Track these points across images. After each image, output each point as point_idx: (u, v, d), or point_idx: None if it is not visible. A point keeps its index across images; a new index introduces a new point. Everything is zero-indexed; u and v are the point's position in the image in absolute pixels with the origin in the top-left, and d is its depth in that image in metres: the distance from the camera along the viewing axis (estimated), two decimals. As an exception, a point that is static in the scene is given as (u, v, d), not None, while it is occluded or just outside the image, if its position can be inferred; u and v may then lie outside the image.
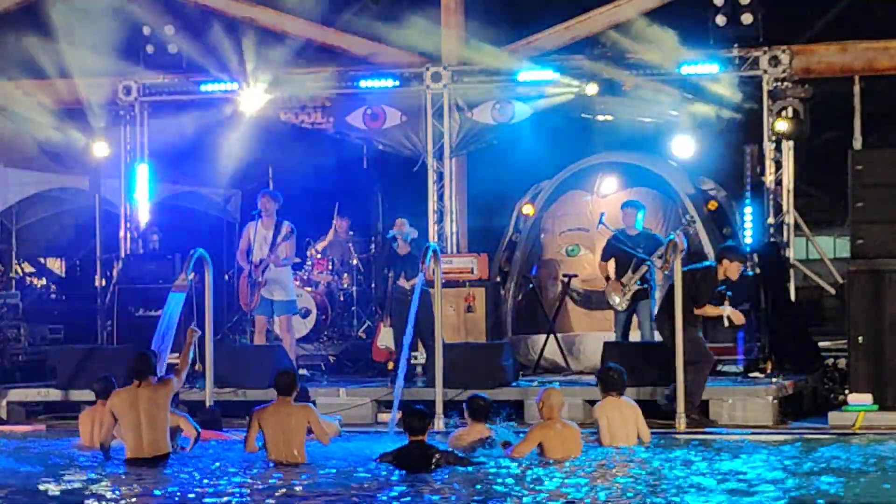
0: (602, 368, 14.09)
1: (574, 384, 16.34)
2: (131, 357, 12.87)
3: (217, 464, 12.51)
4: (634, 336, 16.94)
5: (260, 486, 11.44)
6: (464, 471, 11.82)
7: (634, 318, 16.91)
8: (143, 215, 20.18)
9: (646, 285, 16.64)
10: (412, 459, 11.94)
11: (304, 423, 12.52)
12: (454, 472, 11.72)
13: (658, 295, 17.75)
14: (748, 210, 18.52)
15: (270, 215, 17.18)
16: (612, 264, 16.90)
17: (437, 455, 11.98)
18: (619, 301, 16.75)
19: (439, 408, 14.87)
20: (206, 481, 11.60)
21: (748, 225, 18.61)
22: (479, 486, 11.18)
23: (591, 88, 18.42)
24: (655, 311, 16.32)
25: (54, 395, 16.79)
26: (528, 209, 19.30)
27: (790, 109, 17.99)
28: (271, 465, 12.34)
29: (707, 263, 15.63)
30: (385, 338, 17.78)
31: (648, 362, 15.70)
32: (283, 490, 11.28)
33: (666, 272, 16.40)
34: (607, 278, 16.86)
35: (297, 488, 11.38)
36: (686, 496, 10.81)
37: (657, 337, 16.33)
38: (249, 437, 12.65)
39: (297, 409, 12.66)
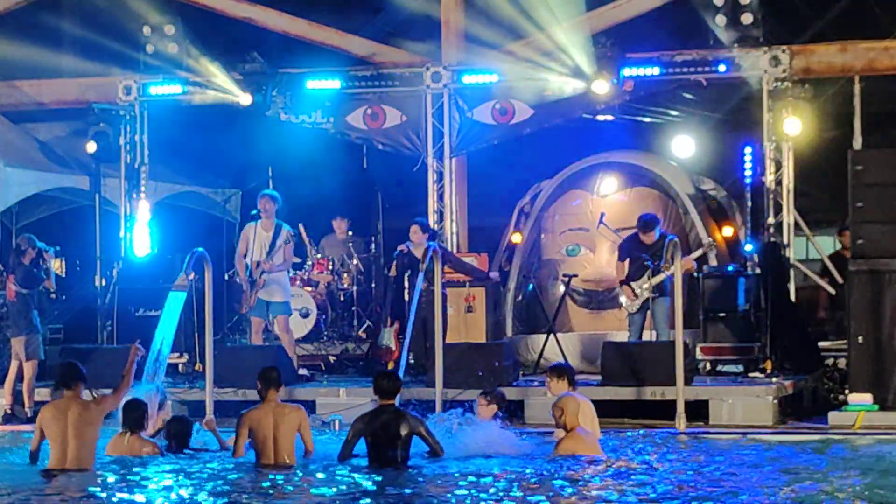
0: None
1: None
2: (59, 366, 12.50)
3: (207, 469, 12.29)
4: (646, 336, 16.83)
5: (252, 491, 11.29)
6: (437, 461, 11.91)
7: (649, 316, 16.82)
8: (143, 215, 20.18)
9: (656, 292, 16.53)
10: (382, 424, 11.98)
11: (296, 424, 12.26)
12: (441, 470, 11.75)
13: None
14: (748, 210, 18.53)
15: (270, 216, 17.21)
16: (626, 266, 16.83)
17: (409, 420, 12.04)
18: (628, 304, 16.69)
19: (439, 408, 14.86)
20: (197, 485, 11.47)
21: (748, 224, 18.62)
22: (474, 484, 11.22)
23: (600, 86, 18.40)
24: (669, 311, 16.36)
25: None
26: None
27: (790, 109, 18.00)
28: (261, 468, 12.11)
29: None
30: (386, 337, 17.78)
31: (648, 362, 15.72)
32: (275, 494, 11.20)
33: (666, 272, 16.39)
34: (621, 281, 16.78)
35: (288, 491, 11.31)
36: (685, 495, 10.83)
37: (671, 337, 16.37)
38: (239, 443, 12.40)
39: (291, 410, 12.42)
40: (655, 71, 18.56)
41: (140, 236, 20.06)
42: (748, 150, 18.55)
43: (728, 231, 18.91)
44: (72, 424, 11.88)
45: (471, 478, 11.53)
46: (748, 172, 18.56)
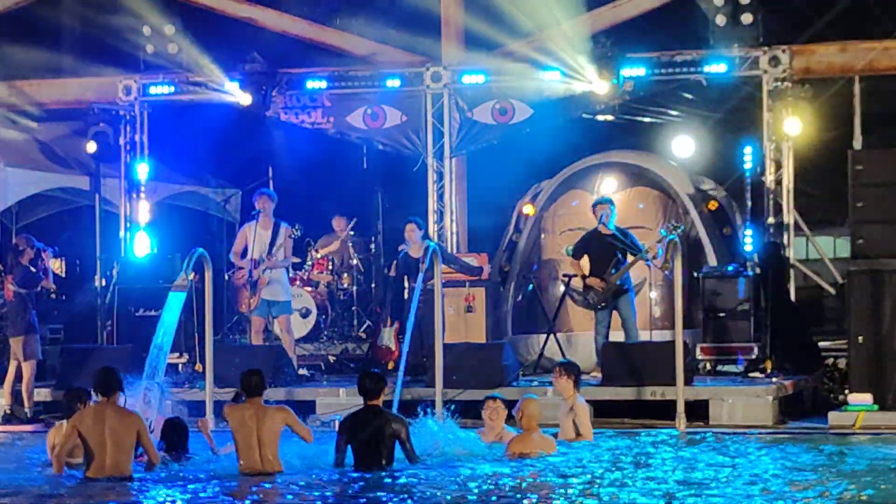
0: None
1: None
2: (96, 373, 12.28)
3: (191, 477, 12.02)
4: (619, 336, 16.81)
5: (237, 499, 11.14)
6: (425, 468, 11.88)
7: (615, 318, 16.79)
8: (143, 215, 20.18)
9: (623, 283, 16.55)
10: (365, 425, 11.95)
11: (280, 425, 12.03)
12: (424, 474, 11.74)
13: (655, 295, 17.78)
14: (748, 210, 18.52)
15: (268, 215, 17.22)
16: (585, 262, 16.82)
17: (392, 421, 12.01)
18: (597, 299, 16.57)
19: (439, 408, 14.85)
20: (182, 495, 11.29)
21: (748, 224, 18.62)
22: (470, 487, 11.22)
23: (600, 86, 18.38)
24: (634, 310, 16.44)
25: (55, 395, 16.77)
26: (528, 209, 19.28)
27: (790, 109, 18.00)
28: (244, 475, 11.85)
29: None
30: (386, 337, 17.79)
31: (648, 362, 15.72)
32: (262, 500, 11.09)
33: (666, 272, 16.40)
34: (584, 276, 16.76)
35: (277, 497, 11.22)
36: (685, 495, 10.83)
37: (642, 336, 16.42)
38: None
39: (275, 411, 12.15)
40: (656, 71, 18.56)
41: (140, 237, 20.05)
42: (748, 149, 18.53)
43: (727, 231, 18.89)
44: (110, 431, 11.72)
45: (456, 479, 11.59)
46: (748, 172, 18.55)
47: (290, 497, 11.14)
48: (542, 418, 13.00)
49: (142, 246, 20.00)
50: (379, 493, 11.00)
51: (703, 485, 11.34)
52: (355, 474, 11.81)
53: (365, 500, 10.83)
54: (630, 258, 16.50)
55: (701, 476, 11.82)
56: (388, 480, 11.54)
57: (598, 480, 11.64)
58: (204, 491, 11.38)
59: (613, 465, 12.48)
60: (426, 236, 17.62)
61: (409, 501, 10.70)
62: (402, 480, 11.50)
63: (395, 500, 10.75)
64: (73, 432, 11.86)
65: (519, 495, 10.88)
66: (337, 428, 12.38)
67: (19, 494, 11.20)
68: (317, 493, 11.19)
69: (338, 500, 10.95)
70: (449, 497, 10.91)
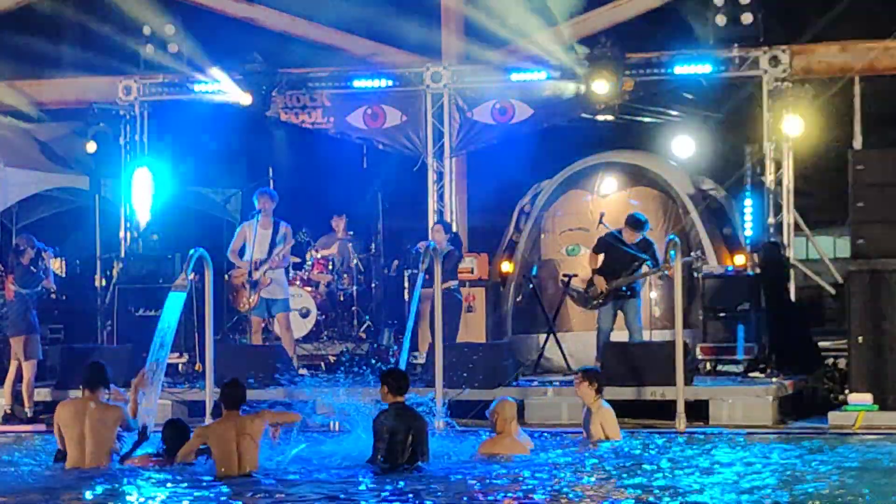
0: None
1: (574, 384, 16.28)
2: (85, 367, 12.42)
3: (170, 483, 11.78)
4: (622, 336, 16.81)
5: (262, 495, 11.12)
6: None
7: (619, 318, 16.79)
8: (143, 215, 20.18)
9: (628, 291, 16.53)
10: (389, 420, 11.97)
11: (259, 433, 11.83)
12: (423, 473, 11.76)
13: (655, 295, 17.78)
14: (748, 210, 18.53)
15: (268, 215, 17.21)
16: (601, 258, 16.82)
17: (415, 420, 12.03)
18: (593, 295, 16.56)
19: (439, 408, 14.84)
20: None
21: (748, 224, 18.63)
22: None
23: (600, 86, 18.39)
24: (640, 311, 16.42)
25: (54, 395, 16.78)
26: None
27: (790, 109, 18.01)
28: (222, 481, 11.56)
29: None
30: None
31: (648, 362, 15.72)
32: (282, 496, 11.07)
33: (666, 271, 16.39)
34: (594, 271, 16.76)
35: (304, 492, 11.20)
36: (685, 494, 10.84)
37: (645, 337, 16.41)
38: (187, 450, 11.94)
39: (252, 419, 11.92)
40: (656, 71, 18.57)
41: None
42: (748, 150, 18.56)
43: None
44: (89, 425, 11.92)
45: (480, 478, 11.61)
46: (748, 172, 18.57)
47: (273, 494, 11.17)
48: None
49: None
50: (377, 493, 11.05)
51: (701, 484, 11.35)
52: (379, 468, 11.88)
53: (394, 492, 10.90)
54: (644, 269, 16.45)
55: (700, 476, 11.83)
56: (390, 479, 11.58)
57: (598, 479, 11.65)
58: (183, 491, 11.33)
59: (614, 465, 12.49)
60: (453, 240, 17.60)
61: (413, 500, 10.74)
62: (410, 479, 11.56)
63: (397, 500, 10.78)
64: (56, 425, 12.07)
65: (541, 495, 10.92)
66: (371, 424, 12.34)
67: (19, 494, 11.21)
68: (340, 486, 11.27)
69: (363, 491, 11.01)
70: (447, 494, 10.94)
